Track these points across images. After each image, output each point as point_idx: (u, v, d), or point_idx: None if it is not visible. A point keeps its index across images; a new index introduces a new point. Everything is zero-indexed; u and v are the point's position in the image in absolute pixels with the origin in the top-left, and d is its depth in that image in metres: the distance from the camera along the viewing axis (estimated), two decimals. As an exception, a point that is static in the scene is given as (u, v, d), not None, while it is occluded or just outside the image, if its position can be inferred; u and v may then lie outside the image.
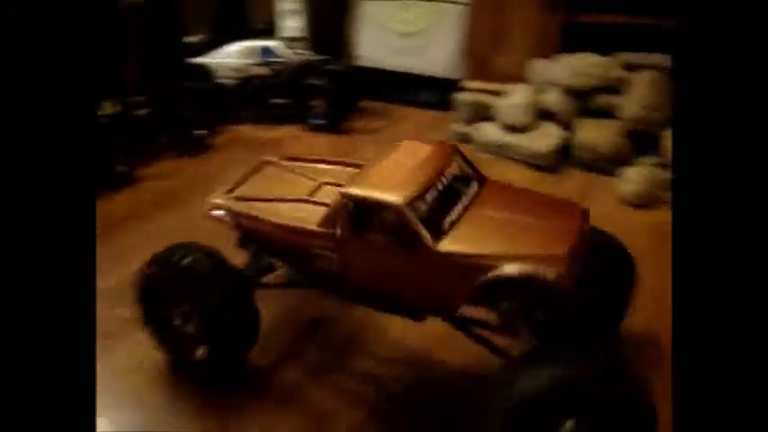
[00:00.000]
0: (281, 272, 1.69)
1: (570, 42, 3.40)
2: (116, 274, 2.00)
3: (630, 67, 3.01)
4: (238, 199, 1.63)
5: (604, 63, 3.05)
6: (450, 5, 3.87)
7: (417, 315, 1.46)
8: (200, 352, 1.54)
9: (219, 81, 3.66)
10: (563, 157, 2.96)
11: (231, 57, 3.70)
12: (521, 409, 1.13)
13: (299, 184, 1.67)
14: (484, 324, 1.48)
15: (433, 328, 1.51)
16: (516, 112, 3.01)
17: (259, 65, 3.64)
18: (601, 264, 1.49)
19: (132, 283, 1.59)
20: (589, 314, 1.48)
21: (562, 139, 2.96)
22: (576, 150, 2.93)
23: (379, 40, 4.08)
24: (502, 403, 1.14)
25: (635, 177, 2.51)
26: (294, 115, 3.55)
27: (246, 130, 3.54)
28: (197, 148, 3.19)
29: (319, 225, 1.40)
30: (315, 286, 1.62)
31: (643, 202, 2.49)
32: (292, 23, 4.03)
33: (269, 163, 1.80)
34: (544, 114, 3.11)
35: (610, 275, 1.53)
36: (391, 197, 1.31)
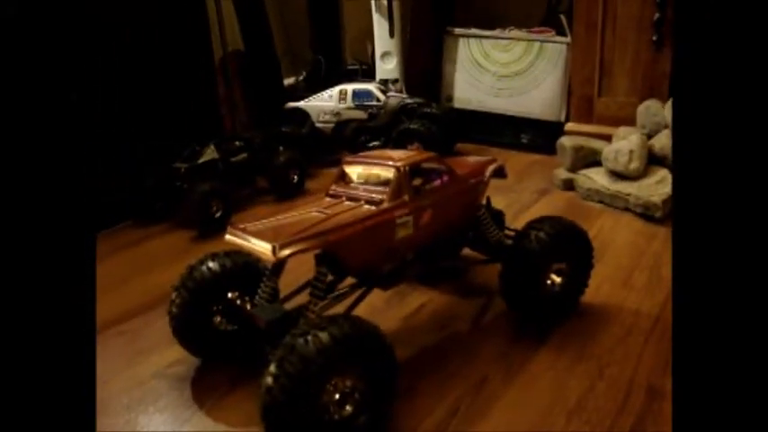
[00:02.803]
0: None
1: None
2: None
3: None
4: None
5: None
6: (551, 45, 3.74)
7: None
8: None
9: (317, 125, 3.68)
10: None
11: (327, 100, 3.71)
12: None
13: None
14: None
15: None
16: (625, 158, 2.81)
17: (355, 108, 3.63)
18: None
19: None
20: None
21: (677, 187, 2.74)
22: (693, 200, 2.70)
23: (476, 82, 3.99)
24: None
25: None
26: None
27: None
28: (292, 191, 3.18)
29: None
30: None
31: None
32: (387, 65, 4.00)
33: None
34: (655, 160, 2.91)
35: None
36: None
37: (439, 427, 1.47)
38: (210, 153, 2.98)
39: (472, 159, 2.08)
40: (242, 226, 1.56)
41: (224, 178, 2.94)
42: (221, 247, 1.70)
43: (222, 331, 1.73)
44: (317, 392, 1.27)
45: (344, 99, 3.65)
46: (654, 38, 3.24)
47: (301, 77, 4.42)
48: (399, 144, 3.34)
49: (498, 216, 2.01)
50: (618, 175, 2.87)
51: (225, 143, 3.09)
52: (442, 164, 1.80)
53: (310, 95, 3.82)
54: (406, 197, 1.65)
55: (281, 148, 3.28)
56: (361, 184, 1.73)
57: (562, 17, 3.72)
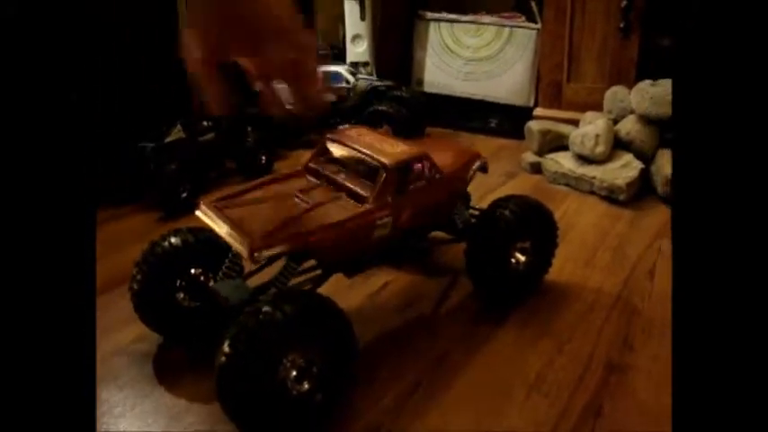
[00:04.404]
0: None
1: (648, 67, 3.24)
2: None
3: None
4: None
5: (688, 91, 2.85)
6: (521, 30, 3.76)
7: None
8: None
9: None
10: (643, 190, 2.78)
11: (297, 82, 3.67)
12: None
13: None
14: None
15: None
16: (591, 143, 2.84)
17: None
18: None
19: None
20: None
21: (641, 170, 2.78)
22: (657, 183, 2.75)
23: (446, 66, 3.99)
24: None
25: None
26: (358, 141, 3.47)
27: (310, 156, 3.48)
28: (261, 173, 3.15)
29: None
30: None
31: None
32: (358, 48, 3.98)
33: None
34: (621, 144, 2.95)
35: None
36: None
37: (399, 402, 1.48)
38: (177, 132, 2.94)
39: (455, 148, 2.04)
40: (218, 204, 1.53)
41: (192, 158, 2.91)
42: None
43: (185, 308, 1.71)
44: (272, 369, 1.27)
45: (314, 81, 3.62)
46: (621, 25, 3.28)
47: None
48: (369, 126, 3.32)
49: (464, 197, 2.02)
50: (584, 159, 2.90)
51: (192, 123, 3.05)
52: (430, 164, 1.72)
53: (280, 77, 3.78)
54: (389, 198, 1.60)
55: (249, 129, 3.25)
56: (345, 169, 1.69)
57: (532, 3, 3.74)
